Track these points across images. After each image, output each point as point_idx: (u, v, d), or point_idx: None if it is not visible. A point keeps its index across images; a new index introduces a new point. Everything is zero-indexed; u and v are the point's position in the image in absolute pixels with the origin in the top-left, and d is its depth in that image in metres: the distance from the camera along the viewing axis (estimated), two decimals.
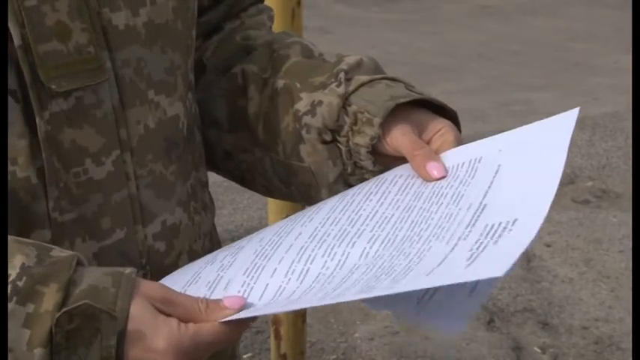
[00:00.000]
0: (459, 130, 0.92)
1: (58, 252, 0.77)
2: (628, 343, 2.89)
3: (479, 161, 0.86)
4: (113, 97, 0.86)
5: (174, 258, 0.93)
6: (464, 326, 0.76)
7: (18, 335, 0.72)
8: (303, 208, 1.96)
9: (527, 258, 3.32)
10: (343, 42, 6.29)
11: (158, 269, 0.91)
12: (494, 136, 0.88)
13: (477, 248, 0.72)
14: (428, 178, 0.87)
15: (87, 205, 0.85)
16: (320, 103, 0.93)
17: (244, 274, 0.81)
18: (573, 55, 6.41)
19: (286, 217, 1.92)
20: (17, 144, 0.81)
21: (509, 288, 3.15)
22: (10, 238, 0.76)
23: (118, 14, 0.86)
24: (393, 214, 0.83)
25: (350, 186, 0.94)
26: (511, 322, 3.04)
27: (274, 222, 1.94)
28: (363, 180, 0.93)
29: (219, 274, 0.83)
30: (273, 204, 1.96)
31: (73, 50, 0.82)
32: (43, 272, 0.74)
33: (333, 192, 0.94)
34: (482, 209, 0.78)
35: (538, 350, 2.90)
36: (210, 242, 1.01)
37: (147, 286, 0.77)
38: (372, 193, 0.88)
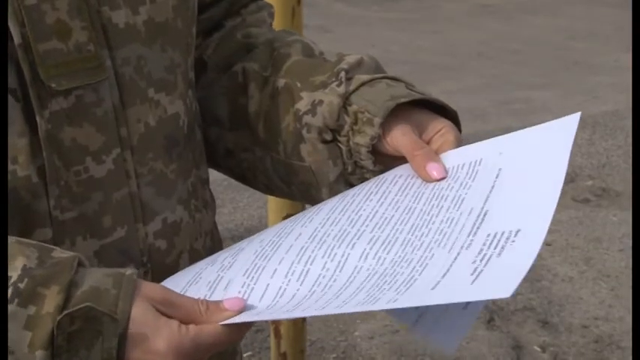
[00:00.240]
0: (460, 129, 0.92)
1: (59, 253, 0.76)
2: (628, 342, 2.89)
3: (479, 163, 0.85)
4: (113, 95, 0.86)
5: (175, 256, 0.93)
6: (459, 341, 0.77)
7: (19, 337, 0.72)
8: (303, 206, 1.97)
9: None
10: (343, 41, 6.29)
11: (159, 267, 0.91)
12: (494, 138, 0.88)
13: (481, 260, 0.72)
14: (428, 179, 0.87)
15: (88, 203, 0.85)
16: (320, 102, 0.93)
17: (244, 274, 0.81)
18: (573, 54, 6.41)
19: (286, 215, 1.94)
20: (17, 143, 0.81)
21: None
22: (11, 239, 0.76)
23: (117, 12, 0.86)
24: (393, 215, 0.83)
25: (351, 185, 0.94)
26: (511, 320, 3.04)
27: (274, 220, 1.96)
28: (363, 179, 0.93)
29: (219, 275, 0.83)
30: (273, 202, 1.96)
31: (73, 49, 0.82)
32: (45, 274, 0.74)
33: (333, 191, 0.94)
34: (484, 216, 0.78)
35: (538, 349, 2.90)
36: (212, 241, 1.01)
37: (148, 287, 0.76)
38: (372, 193, 0.88)
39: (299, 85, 0.96)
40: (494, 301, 3.07)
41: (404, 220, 0.82)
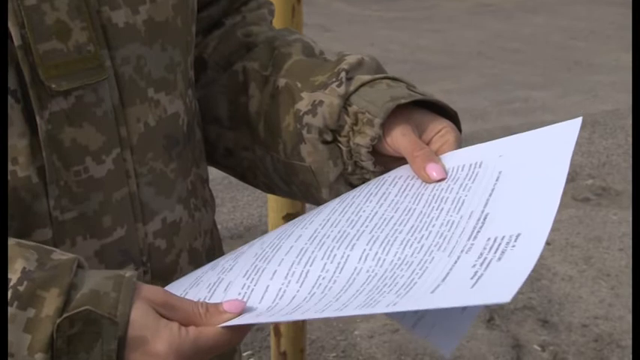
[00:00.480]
0: (460, 130, 0.92)
1: (59, 255, 0.76)
2: (628, 341, 2.89)
3: (479, 166, 0.85)
4: (113, 95, 0.86)
5: (175, 256, 0.93)
6: (456, 343, 0.77)
7: (19, 340, 0.72)
8: (303, 205, 1.97)
9: None
10: (343, 40, 6.29)
11: (159, 267, 0.91)
12: (494, 141, 0.88)
13: (481, 264, 0.72)
14: (427, 180, 0.87)
15: (87, 203, 0.85)
16: (321, 103, 0.93)
17: (244, 276, 0.81)
18: (574, 53, 6.41)
19: (286, 214, 1.93)
20: (17, 143, 0.81)
21: None
22: (11, 241, 0.76)
23: (117, 12, 0.86)
24: (392, 216, 0.83)
25: (351, 185, 0.94)
26: (511, 319, 3.04)
27: (274, 219, 1.96)
28: (364, 180, 0.93)
29: (219, 277, 0.82)
30: (273, 201, 1.96)
31: (72, 49, 0.82)
32: (44, 276, 0.73)
33: (334, 191, 0.94)
34: (484, 219, 0.78)
35: (538, 348, 2.90)
36: (211, 240, 1.01)
37: (148, 290, 0.76)
38: (371, 194, 0.88)
39: (299, 85, 0.96)
40: None
41: (403, 220, 0.82)
